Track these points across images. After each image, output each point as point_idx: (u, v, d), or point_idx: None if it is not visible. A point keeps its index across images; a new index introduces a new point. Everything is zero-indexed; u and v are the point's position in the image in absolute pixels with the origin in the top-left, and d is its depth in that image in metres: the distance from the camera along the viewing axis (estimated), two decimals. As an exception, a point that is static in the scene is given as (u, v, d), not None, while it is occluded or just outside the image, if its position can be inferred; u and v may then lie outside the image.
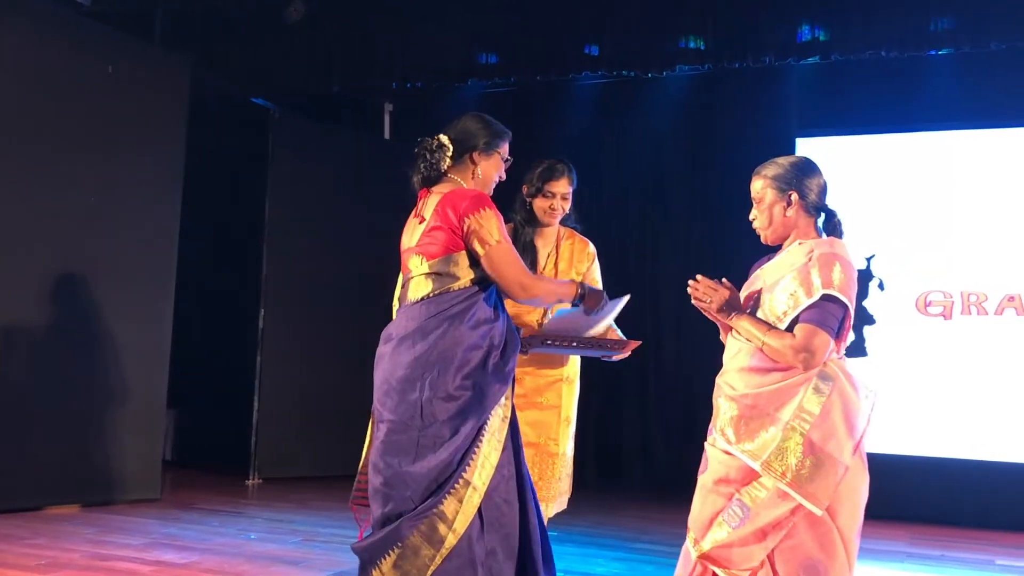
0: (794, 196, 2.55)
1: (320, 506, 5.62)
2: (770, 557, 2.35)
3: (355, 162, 7.01)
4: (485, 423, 2.61)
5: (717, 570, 2.39)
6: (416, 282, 2.71)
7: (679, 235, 7.00)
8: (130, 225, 5.48)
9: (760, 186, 2.60)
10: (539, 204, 3.39)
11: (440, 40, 6.28)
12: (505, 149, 2.83)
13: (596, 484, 6.66)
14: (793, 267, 2.49)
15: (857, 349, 5.98)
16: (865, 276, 6.03)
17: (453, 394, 2.58)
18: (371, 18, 6.35)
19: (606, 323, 3.19)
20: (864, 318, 6.03)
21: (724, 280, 2.56)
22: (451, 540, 2.54)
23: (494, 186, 2.85)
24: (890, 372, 5.87)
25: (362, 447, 2.87)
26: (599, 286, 3.34)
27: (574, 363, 3.44)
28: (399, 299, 2.82)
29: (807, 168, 2.59)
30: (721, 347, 2.68)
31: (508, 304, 2.82)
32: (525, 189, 3.42)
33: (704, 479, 2.50)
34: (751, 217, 2.64)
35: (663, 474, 6.81)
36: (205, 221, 6.87)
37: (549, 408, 3.34)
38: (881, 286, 6.11)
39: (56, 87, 5.13)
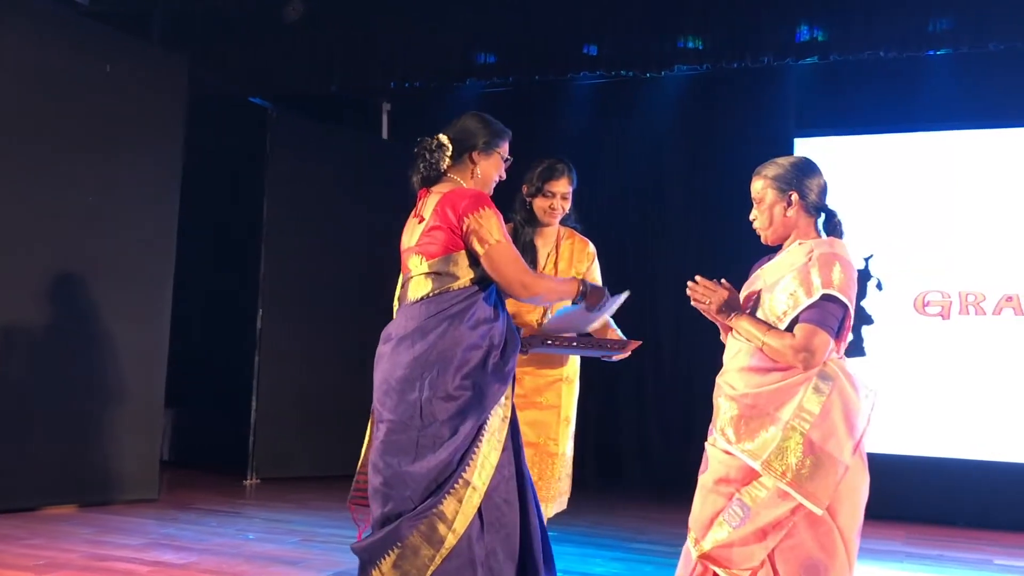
0: (794, 196, 2.56)
1: (318, 506, 5.61)
2: (770, 557, 2.36)
3: (353, 162, 7.01)
4: (485, 423, 2.61)
5: (718, 570, 2.39)
6: (416, 282, 2.71)
7: (678, 235, 7.00)
8: (128, 225, 5.47)
9: (760, 186, 2.60)
10: (539, 204, 3.39)
11: (439, 40, 6.28)
12: (505, 148, 2.83)
13: (595, 484, 6.66)
14: (793, 267, 2.49)
15: (855, 349, 5.99)
16: (863, 276, 6.04)
17: (452, 394, 2.58)
18: (369, 18, 6.34)
19: (604, 319, 3.19)
20: (862, 318, 6.04)
21: (723, 281, 2.56)
22: (451, 540, 2.54)
23: (494, 185, 2.84)
24: (888, 372, 5.88)
25: (360, 447, 2.86)
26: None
27: (574, 363, 3.44)
28: (399, 299, 2.82)
29: (807, 168, 2.60)
30: (721, 347, 2.68)
31: (508, 303, 2.81)
32: (525, 189, 3.42)
33: (704, 479, 2.50)
34: (751, 217, 2.64)
35: (662, 474, 6.81)
36: (203, 221, 6.86)
37: (549, 408, 3.34)
38: (879, 286, 6.11)
39: (54, 86, 5.12)
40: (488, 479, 2.58)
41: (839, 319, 2.42)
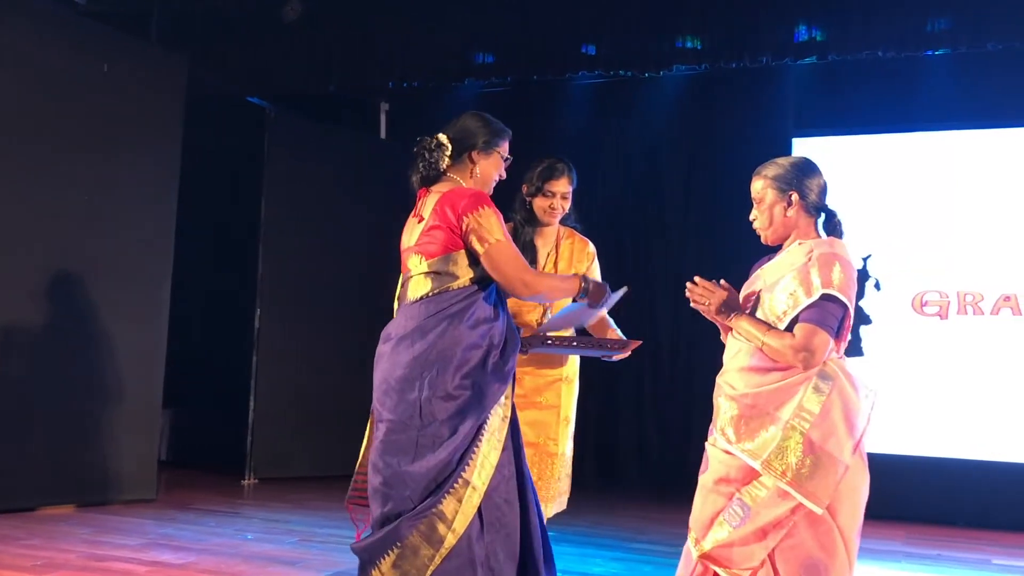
0: (794, 196, 2.56)
1: (317, 506, 5.61)
2: (771, 556, 2.36)
3: (351, 162, 7.00)
4: (484, 422, 2.60)
5: (718, 570, 2.39)
6: (415, 281, 2.71)
7: (676, 234, 7.00)
8: (127, 224, 5.46)
9: (760, 186, 2.60)
10: (539, 203, 3.39)
11: (437, 40, 6.27)
12: (505, 148, 2.82)
13: (594, 484, 6.66)
14: (793, 267, 2.49)
15: (853, 349, 5.97)
16: (861, 276, 6.03)
17: (452, 393, 2.57)
18: (368, 17, 6.33)
19: (603, 317, 3.18)
20: (860, 318, 6.04)
21: (722, 281, 2.56)
22: (450, 540, 2.54)
23: (494, 185, 2.84)
24: (886, 372, 5.88)
25: (359, 447, 2.86)
26: None
27: (573, 363, 3.44)
28: (398, 299, 2.81)
29: (807, 168, 2.60)
30: (720, 347, 2.68)
31: (507, 303, 2.81)
32: (525, 188, 3.42)
33: (704, 479, 2.50)
34: (751, 217, 2.64)
35: (661, 474, 6.81)
36: (201, 221, 6.84)
37: (548, 408, 3.34)
38: (877, 286, 6.11)
39: (53, 86, 5.11)
40: (488, 479, 2.58)
41: (839, 319, 2.43)
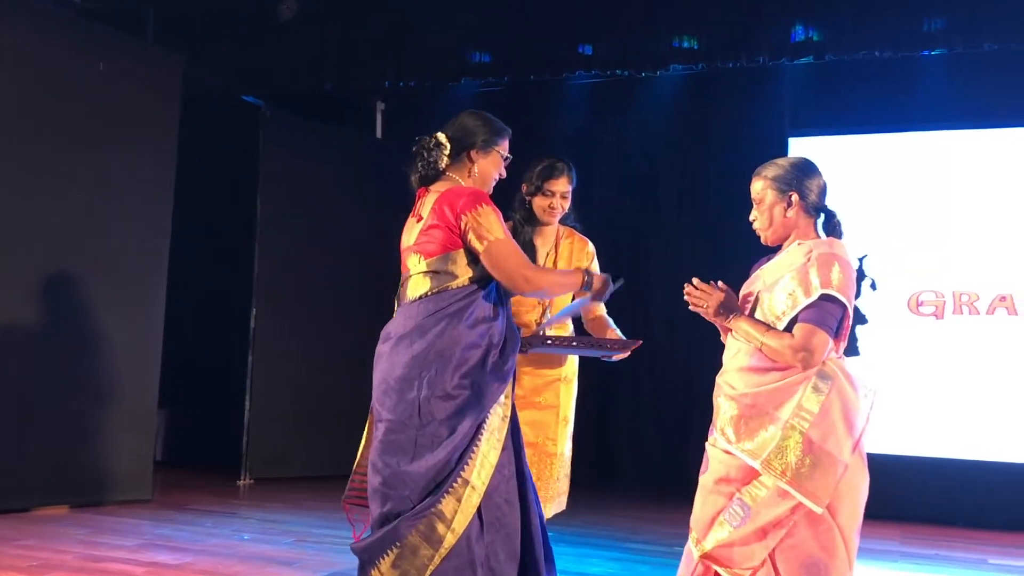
0: (794, 197, 2.56)
1: (313, 506, 5.59)
2: (771, 556, 2.36)
3: (347, 161, 6.99)
4: (484, 422, 2.60)
5: (719, 569, 2.39)
6: (414, 280, 2.70)
7: (673, 234, 7.00)
8: (122, 224, 5.44)
9: (760, 187, 2.61)
10: (538, 203, 3.39)
11: (433, 39, 6.26)
12: (504, 146, 2.81)
13: (591, 484, 6.65)
14: (792, 267, 2.50)
15: (850, 349, 5.96)
16: (857, 276, 6.02)
17: (451, 393, 2.57)
18: (364, 17, 6.32)
19: (603, 316, 3.19)
20: (856, 318, 6.03)
21: (719, 283, 2.56)
22: (450, 540, 2.53)
23: (494, 184, 2.83)
24: (882, 372, 5.88)
25: (355, 447, 2.85)
26: None
27: (572, 363, 3.44)
28: (398, 298, 2.80)
29: (807, 169, 2.60)
30: (717, 346, 2.68)
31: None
32: (524, 188, 3.42)
33: (705, 479, 2.50)
34: (751, 218, 2.64)
35: (658, 474, 6.81)
36: (197, 220, 6.83)
37: (547, 408, 3.34)
38: (873, 286, 6.12)
39: (49, 85, 5.08)
40: (487, 478, 2.57)
41: (838, 319, 2.43)
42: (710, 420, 2.57)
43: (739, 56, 5.74)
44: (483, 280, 2.67)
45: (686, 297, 2.56)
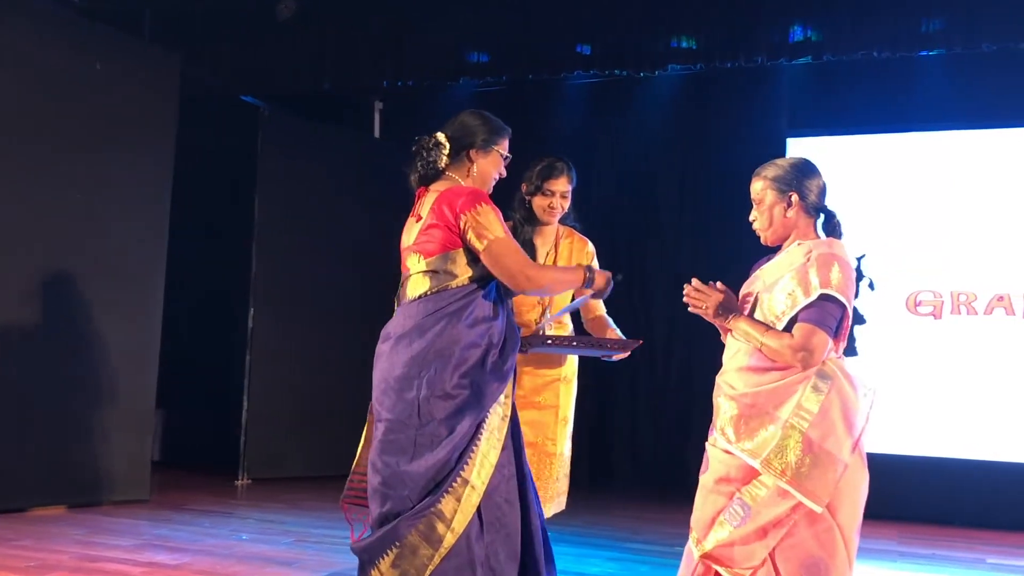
0: (794, 197, 2.56)
1: (311, 506, 5.59)
2: (771, 555, 2.36)
3: (345, 160, 6.99)
4: (483, 421, 2.59)
5: (720, 569, 2.39)
6: (414, 280, 2.70)
7: (671, 234, 7.01)
8: (120, 223, 5.43)
9: (760, 187, 2.61)
10: (538, 202, 3.38)
11: (431, 38, 6.26)
12: (504, 146, 2.80)
13: (590, 484, 6.66)
14: (792, 267, 2.50)
15: (848, 348, 5.98)
16: (856, 276, 6.04)
17: (450, 392, 2.56)
18: (362, 16, 6.32)
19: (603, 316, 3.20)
20: (855, 317, 6.03)
21: (718, 283, 2.56)
22: (449, 539, 2.53)
23: (494, 183, 2.82)
24: (880, 371, 5.87)
25: (354, 447, 2.85)
26: None
27: (572, 363, 3.43)
28: (398, 298, 2.80)
29: (807, 169, 2.60)
30: (716, 346, 2.68)
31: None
32: (524, 187, 3.41)
33: (705, 479, 2.50)
34: (751, 218, 2.64)
35: (657, 474, 6.82)
36: (195, 219, 6.82)
37: (547, 408, 3.33)
38: (871, 286, 6.07)
39: (48, 85, 5.07)
40: (487, 478, 2.57)
41: (837, 319, 2.44)
42: (710, 420, 2.57)
43: (737, 56, 5.75)
44: (483, 280, 2.66)
45: (685, 299, 2.56)
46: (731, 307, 2.54)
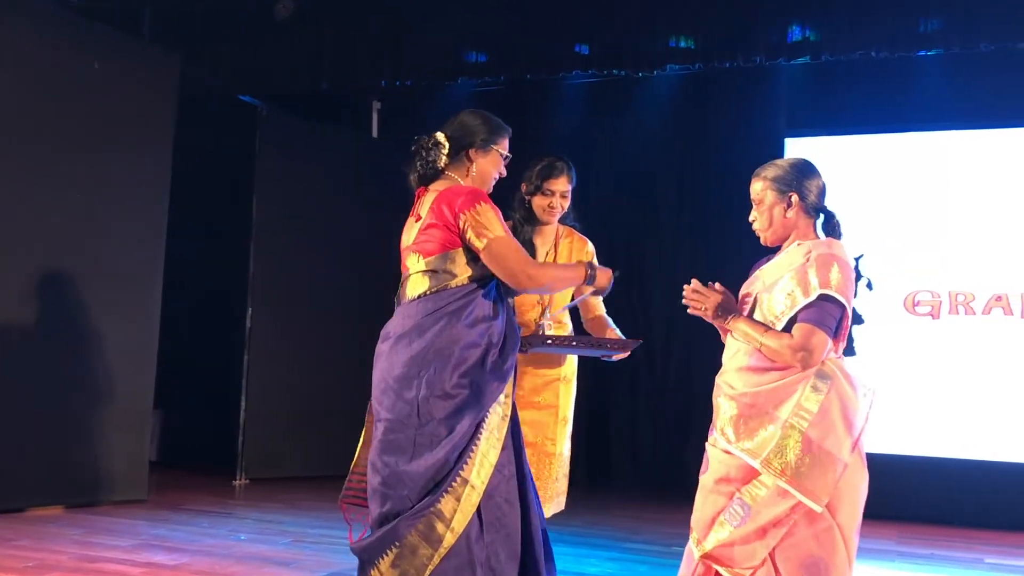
0: (794, 198, 2.56)
1: (309, 506, 5.58)
2: (771, 555, 2.36)
3: (343, 160, 6.98)
4: (483, 421, 2.59)
5: (720, 569, 2.39)
6: (414, 280, 2.69)
7: (670, 234, 7.01)
8: (118, 223, 5.42)
9: (760, 187, 2.61)
10: (538, 202, 3.38)
11: (429, 38, 6.26)
12: (504, 145, 2.80)
13: (590, 484, 6.66)
14: (791, 267, 2.50)
15: (847, 348, 5.99)
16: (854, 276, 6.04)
17: (450, 392, 2.56)
18: (360, 16, 6.31)
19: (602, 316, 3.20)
20: (853, 317, 6.04)
21: (717, 284, 2.56)
22: (449, 539, 2.52)
23: (494, 183, 2.82)
24: (878, 371, 5.87)
25: (352, 447, 2.84)
26: None
27: (571, 363, 3.43)
28: (397, 297, 2.80)
29: (807, 170, 2.61)
30: (717, 347, 2.68)
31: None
32: (524, 187, 3.41)
33: (705, 479, 2.50)
34: (751, 219, 2.64)
35: (656, 474, 6.81)
36: (193, 219, 6.81)
37: (546, 408, 3.33)
38: (870, 286, 6.05)
39: (47, 85, 5.07)
40: (487, 477, 2.56)
41: (837, 319, 2.44)
42: (710, 420, 2.57)
43: (736, 56, 5.74)
44: (482, 279, 2.66)
45: (684, 300, 2.56)
46: (730, 308, 2.54)
